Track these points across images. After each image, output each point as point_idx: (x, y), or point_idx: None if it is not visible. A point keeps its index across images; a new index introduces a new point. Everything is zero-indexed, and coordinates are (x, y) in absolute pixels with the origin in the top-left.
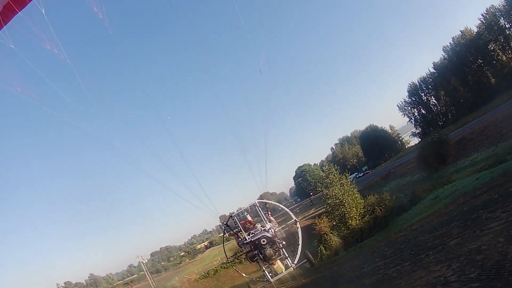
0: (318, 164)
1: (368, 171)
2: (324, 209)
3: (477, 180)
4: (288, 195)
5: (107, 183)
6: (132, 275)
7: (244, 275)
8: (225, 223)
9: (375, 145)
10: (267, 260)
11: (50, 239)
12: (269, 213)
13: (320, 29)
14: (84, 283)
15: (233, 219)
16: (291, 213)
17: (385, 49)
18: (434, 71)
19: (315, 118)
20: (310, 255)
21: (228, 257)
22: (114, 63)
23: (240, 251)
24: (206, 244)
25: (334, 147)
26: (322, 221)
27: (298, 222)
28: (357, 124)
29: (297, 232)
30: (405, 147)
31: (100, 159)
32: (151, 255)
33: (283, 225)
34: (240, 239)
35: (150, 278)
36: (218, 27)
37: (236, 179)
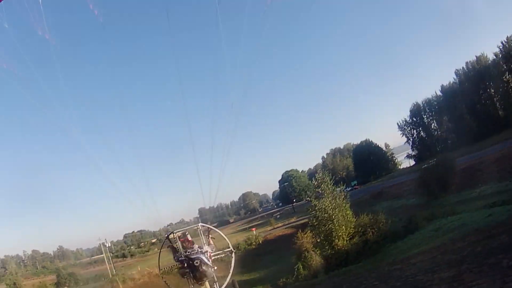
0: (306, 172)
1: (356, 187)
2: (307, 220)
3: (490, 216)
4: (270, 197)
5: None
6: (101, 254)
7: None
8: (166, 236)
9: (367, 161)
10: (197, 280)
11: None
12: (210, 236)
13: (328, 32)
14: (52, 254)
15: (174, 236)
16: (229, 243)
17: (392, 63)
18: (441, 94)
19: (310, 122)
20: (237, 284)
21: (160, 268)
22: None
23: (175, 265)
24: (179, 235)
25: (325, 157)
26: (306, 235)
27: (233, 253)
28: (351, 136)
29: (231, 261)
30: (398, 167)
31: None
32: (124, 236)
33: (219, 251)
34: (176, 254)
35: (111, 263)
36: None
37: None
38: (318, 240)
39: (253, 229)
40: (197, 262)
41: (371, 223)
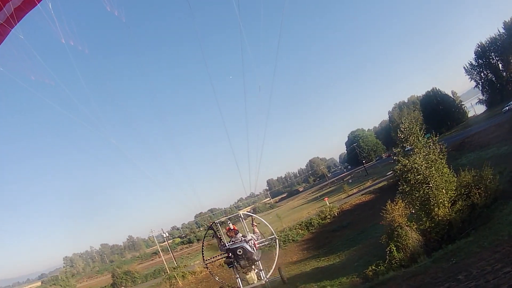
0: (372, 130)
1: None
2: (385, 183)
3: None
4: (338, 161)
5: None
6: (174, 237)
7: (217, 278)
8: (209, 227)
9: (436, 111)
10: (242, 268)
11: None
12: (254, 224)
13: None
14: (122, 245)
15: (215, 226)
16: (272, 229)
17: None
18: (504, 31)
19: (371, 79)
20: (283, 273)
21: (205, 259)
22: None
23: (220, 255)
24: (248, 210)
25: (391, 111)
26: (397, 207)
27: (277, 240)
28: (415, 88)
29: (276, 247)
30: (467, 116)
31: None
32: (195, 217)
33: (263, 239)
34: (221, 244)
35: (171, 253)
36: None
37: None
38: (413, 211)
39: (326, 198)
40: (239, 251)
41: (475, 182)
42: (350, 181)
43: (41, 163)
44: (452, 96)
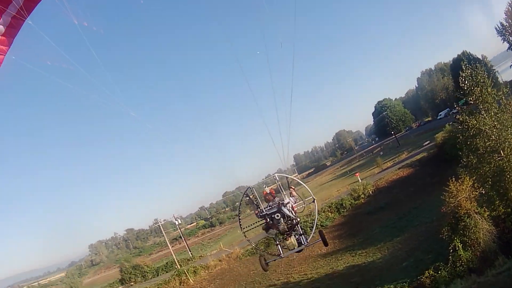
0: (400, 100)
1: (465, 107)
2: (425, 154)
3: None
4: (364, 134)
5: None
6: (202, 219)
7: (253, 245)
8: (244, 194)
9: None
10: (282, 234)
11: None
12: (292, 187)
13: None
14: (148, 229)
15: (251, 191)
16: (310, 191)
17: None
18: None
19: (396, 46)
20: (324, 235)
21: (243, 228)
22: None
23: (257, 222)
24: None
25: (420, 77)
26: (463, 187)
27: (315, 201)
28: (442, 54)
29: (315, 209)
30: (499, 81)
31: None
32: (223, 195)
33: (300, 202)
34: (258, 211)
35: (184, 241)
36: None
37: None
38: (483, 191)
39: (357, 173)
40: (277, 216)
41: None
42: (381, 153)
43: (72, 151)
44: (481, 59)
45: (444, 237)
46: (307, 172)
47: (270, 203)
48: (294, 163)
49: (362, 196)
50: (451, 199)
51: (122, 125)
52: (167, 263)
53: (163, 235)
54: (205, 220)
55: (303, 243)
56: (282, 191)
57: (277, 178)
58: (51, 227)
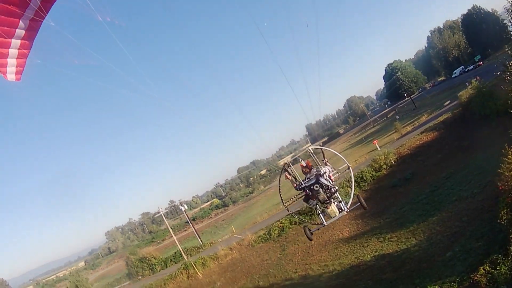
0: (410, 61)
1: (480, 63)
2: (449, 114)
3: None
4: (375, 98)
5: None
6: (217, 197)
7: (296, 217)
8: (282, 168)
9: (481, 31)
10: (322, 203)
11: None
12: (325, 159)
13: None
14: (164, 211)
15: (288, 166)
16: (344, 159)
17: None
18: None
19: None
20: (362, 199)
21: (284, 202)
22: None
23: (297, 195)
24: (285, 162)
25: (430, 36)
26: None
27: (350, 168)
28: (450, 12)
29: (351, 176)
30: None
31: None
32: (238, 171)
33: (337, 170)
34: (296, 184)
35: (193, 228)
36: None
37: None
38: None
39: (375, 141)
40: (316, 187)
41: None
42: (397, 117)
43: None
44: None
45: (502, 222)
46: (321, 142)
47: (308, 175)
48: (307, 133)
49: (384, 166)
50: (507, 172)
51: (136, 104)
52: (175, 253)
53: (179, 217)
54: (219, 199)
55: (343, 209)
56: (317, 162)
57: (312, 151)
58: (70, 216)
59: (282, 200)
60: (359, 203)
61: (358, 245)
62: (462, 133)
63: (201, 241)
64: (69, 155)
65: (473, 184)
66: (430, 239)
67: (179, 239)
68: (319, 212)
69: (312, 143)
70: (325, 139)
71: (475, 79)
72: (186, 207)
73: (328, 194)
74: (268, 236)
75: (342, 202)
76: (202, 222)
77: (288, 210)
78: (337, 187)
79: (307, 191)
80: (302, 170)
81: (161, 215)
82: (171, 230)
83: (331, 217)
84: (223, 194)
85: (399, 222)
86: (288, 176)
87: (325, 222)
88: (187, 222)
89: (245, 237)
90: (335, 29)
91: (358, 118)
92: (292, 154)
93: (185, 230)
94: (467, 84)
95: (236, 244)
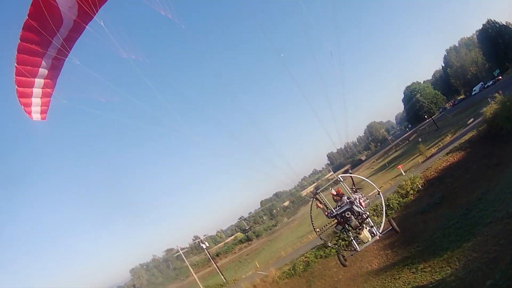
0: (428, 82)
1: (499, 77)
2: (474, 132)
3: None
4: (395, 122)
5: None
6: (241, 230)
7: (329, 244)
8: (313, 197)
9: (498, 45)
10: (354, 230)
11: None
12: (355, 186)
13: None
14: (188, 246)
15: (318, 195)
16: (373, 184)
17: None
18: None
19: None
20: (394, 223)
21: (317, 230)
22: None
23: (329, 223)
24: (311, 191)
25: (447, 55)
26: None
27: (380, 193)
28: (465, 28)
29: (381, 202)
30: None
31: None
32: (261, 204)
33: (366, 196)
34: (328, 212)
35: (214, 264)
36: None
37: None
38: None
39: (399, 166)
40: (348, 214)
41: None
42: (420, 139)
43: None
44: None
45: None
46: (343, 169)
47: (339, 203)
48: (329, 162)
49: (411, 192)
50: None
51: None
52: None
53: (204, 252)
54: (243, 232)
55: (375, 233)
56: (347, 190)
57: (342, 180)
58: (94, 252)
59: (314, 228)
60: (391, 228)
61: (389, 278)
62: (489, 150)
63: (224, 278)
64: (96, 190)
65: (507, 203)
66: (466, 267)
67: (204, 275)
68: (352, 238)
69: (334, 172)
70: (348, 166)
71: (497, 93)
72: (207, 244)
73: (360, 220)
74: (293, 272)
75: (374, 227)
76: (226, 257)
77: (321, 239)
78: (368, 213)
79: (339, 218)
80: (333, 198)
81: (181, 254)
82: (191, 268)
83: (364, 243)
84: (246, 228)
85: (431, 250)
86: (319, 204)
87: (358, 248)
88: (216, 255)
89: (269, 273)
90: (351, 57)
91: (379, 144)
92: (315, 184)
93: (209, 266)
94: (489, 100)
95: (260, 281)
